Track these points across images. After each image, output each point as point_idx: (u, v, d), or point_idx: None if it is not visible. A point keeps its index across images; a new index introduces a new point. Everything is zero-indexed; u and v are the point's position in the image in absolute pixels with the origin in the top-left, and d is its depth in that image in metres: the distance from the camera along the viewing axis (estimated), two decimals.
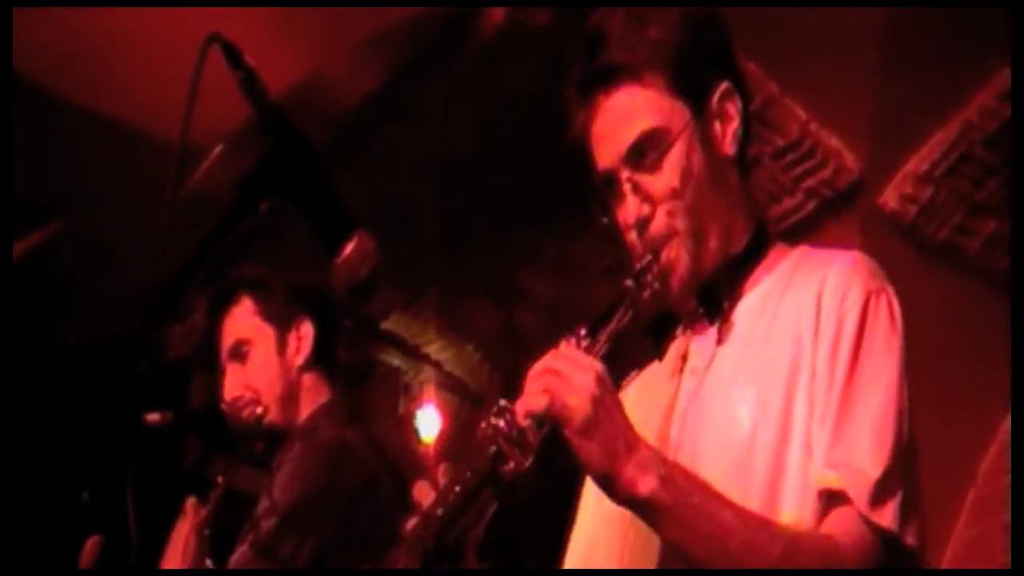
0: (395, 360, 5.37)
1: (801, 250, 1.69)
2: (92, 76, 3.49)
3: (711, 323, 1.65)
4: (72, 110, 3.54)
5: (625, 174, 1.61)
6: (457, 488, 1.44)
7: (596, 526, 1.71)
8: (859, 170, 3.65)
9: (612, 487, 1.43)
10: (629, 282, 1.57)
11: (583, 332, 1.50)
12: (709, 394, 1.60)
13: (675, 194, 1.59)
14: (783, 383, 1.53)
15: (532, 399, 1.42)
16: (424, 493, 1.51)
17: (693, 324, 1.68)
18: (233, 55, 1.39)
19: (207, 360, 2.74)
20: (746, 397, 1.55)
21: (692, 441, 1.57)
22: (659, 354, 1.75)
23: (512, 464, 1.41)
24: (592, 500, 1.73)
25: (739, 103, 1.66)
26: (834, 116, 3.61)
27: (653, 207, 1.60)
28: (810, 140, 3.69)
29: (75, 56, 3.35)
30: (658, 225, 1.60)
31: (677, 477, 1.45)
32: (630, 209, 1.61)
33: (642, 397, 1.65)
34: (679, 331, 1.73)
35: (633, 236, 1.62)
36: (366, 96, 3.79)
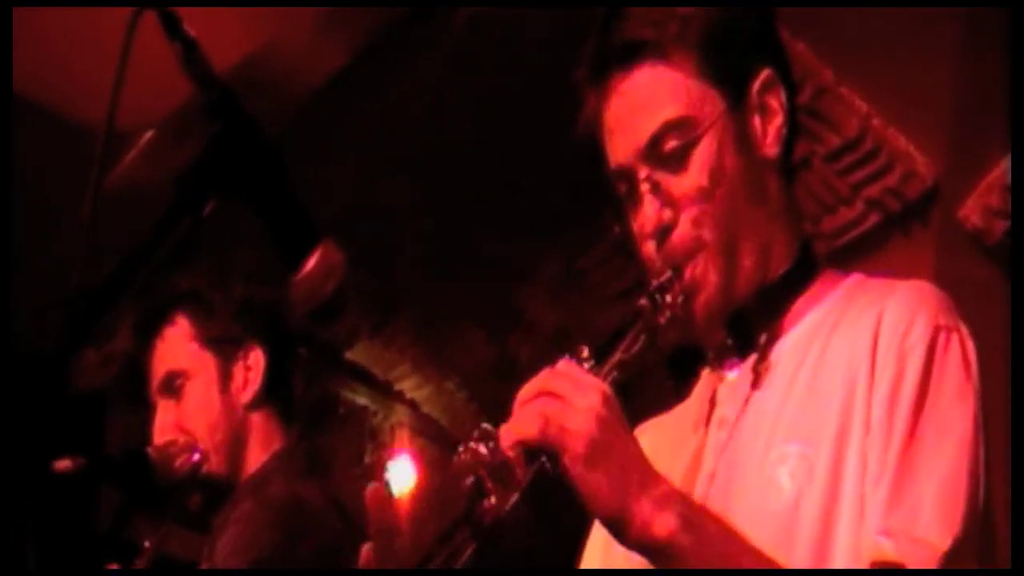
0: (361, 398, 5.38)
1: (855, 278, 1.70)
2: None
3: (743, 360, 1.65)
4: None
5: (643, 172, 1.62)
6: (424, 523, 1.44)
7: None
8: (933, 176, 3.67)
9: (623, 527, 1.43)
10: (644, 301, 1.58)
11: (585, 355, 1.50)
12: (743, 451, 1.61)
13: (702, 198, 1.60)
14: (832, 439, 1.53)
15: (522, 424, 1.42)
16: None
17: (722, 362, 1.69)
18: (171, 23, 1.39)
19: (129, 393, 2.73)
20: (787, 457, 1.55)
21: (721, 507, 1.56)
22: (681, 396, 1.76)
23: (493, 500, 1.41)
24: (598, 554, 1.73)
25: (784, 96, 1.67)
26: (903, 109, 3.63)
27: (676, 213, 1.61)
28: (872, 139, 3.71)
29: None
30: (681, 235, 1.61)
31: (702, 520, 1.45)
32: (648, 214, 1.62)
33: (660, 448, 1.64)
34: (706, 369, 1.73)
35: (651, 247, 1.63)
36: (331, 74, 3.80)
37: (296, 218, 1.39)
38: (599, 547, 1.74)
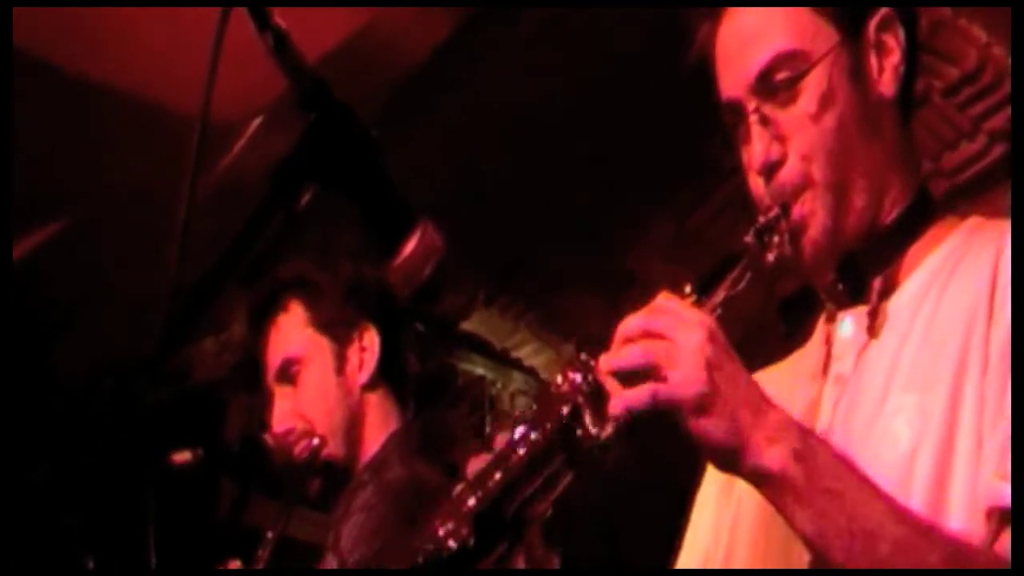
0: (479, 368, 5.41)
1: (972, 221, 1.67)
2: (96, 43, 3.56)
3: (854, 305, 1.65)
4: (74, 84, 3.61)
5: (752, 104, 1.62)
6: (521, 451, 1.45)
7: (714, 534, 1.73)
8: None
9: (734, 466, 1.46)
10: (750, 238, 1.57)
11: (688, 291, 1.51)
12: (860, 406, 1.60)
13: (813, 134, 1.60)
14: (949, 382, 1.52)
15: (630, 393, 1.43)
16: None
17: (836, 308, 1.68)
18: (260, 16, 1.41)
19: (248, 381, 2.77)
20: (904, 407, 1.55)
21: None
22: (792, 343, 1.75)
23: (591, 429, 1.42)
24: (711, 500, 1.75)
25: (903, 36, 1.66)
26: None
27: (785, 148, 1.61)
28: (993, 69, 3.63)
29: (77, 19, 3.41)
30: (790, 171, 1.60)
31: (817, 453, 1.45)
32: (756, 149, 1.61)
33: (774, 399, 1.62)
34: (822, 319, 1.73)
35: (759, 183, 1.63)
36: (431, 49, 3.81)
37: (392, 204, 1.41)
38: (712, 493, 1.75)
